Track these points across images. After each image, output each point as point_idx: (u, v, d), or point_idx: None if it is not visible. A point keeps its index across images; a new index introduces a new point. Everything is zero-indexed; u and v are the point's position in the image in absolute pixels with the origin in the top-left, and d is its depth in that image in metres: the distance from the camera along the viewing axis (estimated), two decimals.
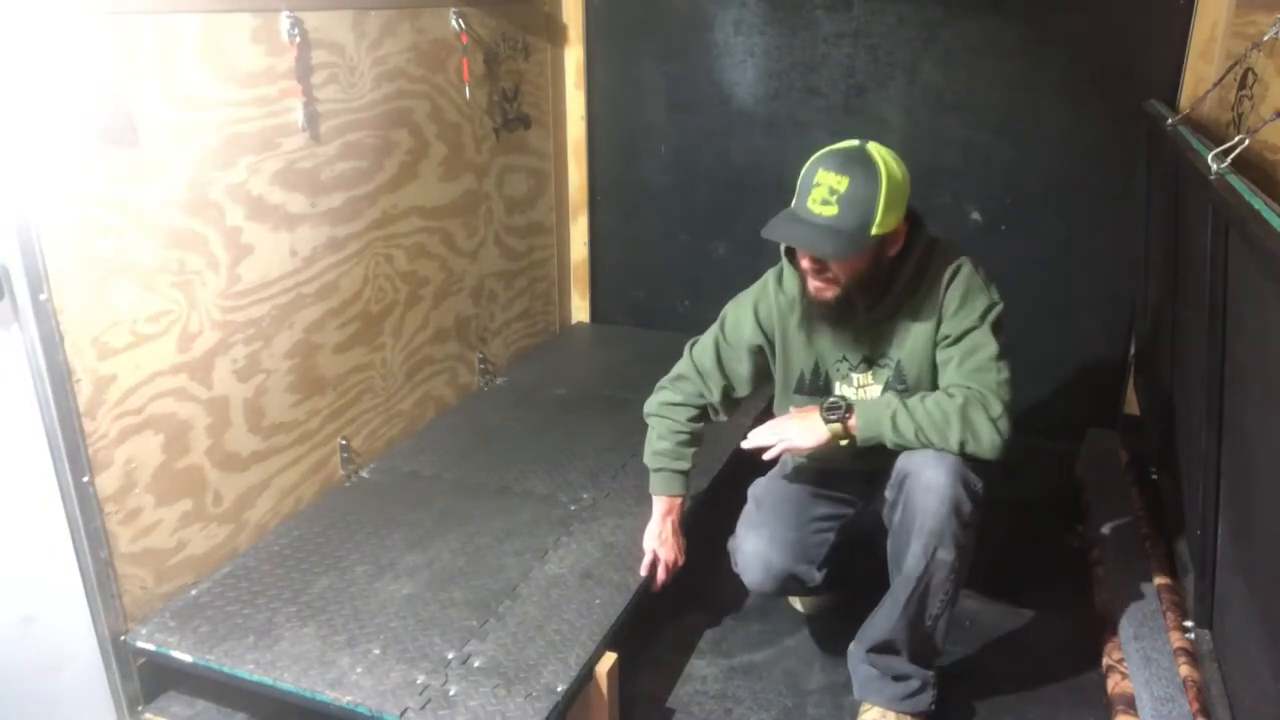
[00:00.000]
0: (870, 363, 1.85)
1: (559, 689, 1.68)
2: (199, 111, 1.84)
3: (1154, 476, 2.51)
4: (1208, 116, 2.38)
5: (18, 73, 1.51)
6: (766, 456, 1.83)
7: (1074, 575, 2.33)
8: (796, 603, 2.25)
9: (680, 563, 2.07)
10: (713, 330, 1.98)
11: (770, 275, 1.92)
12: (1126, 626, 1.98)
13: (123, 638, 1.80)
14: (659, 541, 2.04)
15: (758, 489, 2.05)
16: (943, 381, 1.77)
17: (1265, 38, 1.84)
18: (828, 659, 2.08)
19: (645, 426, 2.04)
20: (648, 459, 2.04)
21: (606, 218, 3.40)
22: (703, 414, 2.02)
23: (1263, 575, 1.40)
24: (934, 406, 1.71)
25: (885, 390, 1.83)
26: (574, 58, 3.19)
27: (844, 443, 1.77)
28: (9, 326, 1.58)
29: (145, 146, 1.74)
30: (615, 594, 1.95)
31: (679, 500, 2.06)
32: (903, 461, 1.75)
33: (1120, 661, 1.92)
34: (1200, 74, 2.53)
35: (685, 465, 2.03)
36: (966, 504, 1.69)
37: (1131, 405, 2.89)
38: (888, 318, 1.81)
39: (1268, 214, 1.21)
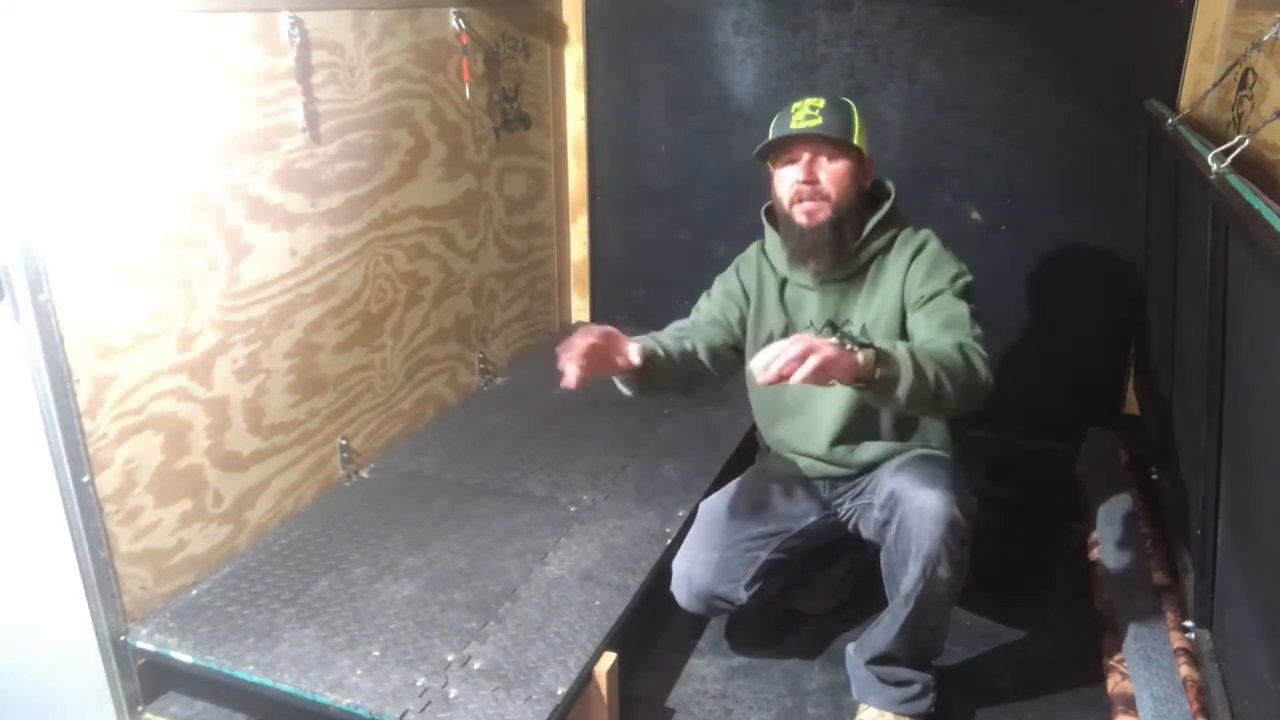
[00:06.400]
0: (834, 328, 1.88)
1: (559, 691, 1.68)
2: (199, 111, 1.84)
3: (1154, 476, 2.51)
4: (1208, 116, 2.38)
5: (13, 74, 1.51)
6: (796, 379, 1.42)
7: (1074, 575, 2.33)
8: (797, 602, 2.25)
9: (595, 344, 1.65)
10: (703, 295, 2.04)
11: (754, 245, 2.01)
12: (1126, 626, 1.98)
13: (123, 638, 1.80)
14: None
15: (703, 506, 2.04)
16: (915, 341, 1.72)
17: (1265, 38, 1.84)
18: (828, 659, 2.08)
19: (646, 428, 2.04)
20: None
21: (606, 218, 3.40)
22: (694, 352, 1.87)
23: (1263, 575, 1.40)
24: (933, 349, 1.57)
25: None
26: (574, 58, 3.19)
27: (859, 385, 1.52)
28: (9, 326, 1.58)
29: (145, 146, 1.74)
30: (615, 595, 1.95)
31: (631, 351, 1.73)
32: (891, 482, 1.75)
33: (1120, 661, 1.92)
34: (1200, 74, 2.53)
35: (660, 346, 1.79)
36: (962, 523, 1.69)
37: (1131, 405, 2.89)
38: (856, 283, 1.84)
39: (1268, 214, 1.21)
